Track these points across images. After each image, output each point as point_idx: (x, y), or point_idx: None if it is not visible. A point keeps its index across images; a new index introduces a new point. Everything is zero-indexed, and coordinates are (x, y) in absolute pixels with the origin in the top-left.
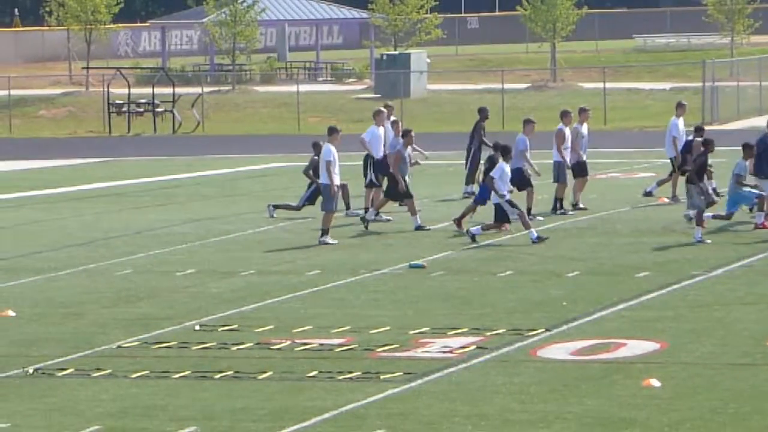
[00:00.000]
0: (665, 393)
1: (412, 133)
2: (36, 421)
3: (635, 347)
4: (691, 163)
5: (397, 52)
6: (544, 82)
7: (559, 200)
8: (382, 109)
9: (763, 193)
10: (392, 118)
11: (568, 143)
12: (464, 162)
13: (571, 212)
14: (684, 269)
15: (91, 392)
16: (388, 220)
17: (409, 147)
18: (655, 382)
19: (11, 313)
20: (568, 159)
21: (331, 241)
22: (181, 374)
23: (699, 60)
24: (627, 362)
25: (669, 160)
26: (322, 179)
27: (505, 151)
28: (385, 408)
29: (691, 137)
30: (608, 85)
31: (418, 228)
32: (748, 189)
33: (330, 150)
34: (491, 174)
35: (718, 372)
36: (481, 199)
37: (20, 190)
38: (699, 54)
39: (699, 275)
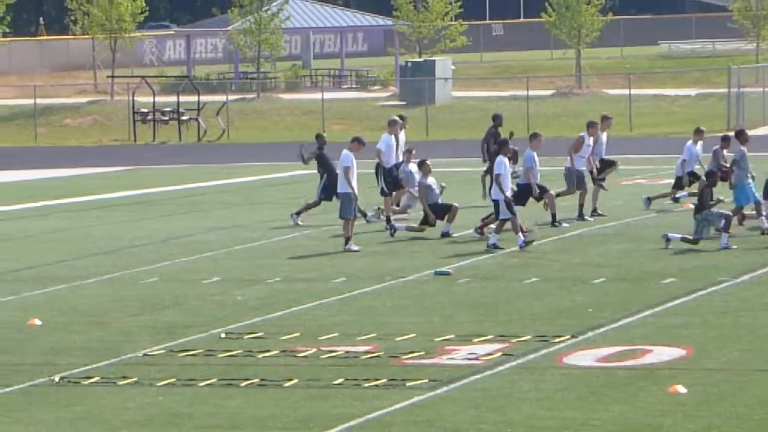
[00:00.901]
0: (691, 399)
1: (428, 162)
2: (62, 430)
3: (661, 354)
4: (702, 192)
5: (421, 59)
6: (569, 88)
7: (580, 206)
8: (397, 118)
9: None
10: (403, 136)
11: (584, 153)
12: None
13: (588, 218)
14: (710, 275)
15: (118, 400)
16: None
17: (430, 176)
18: (682, 389)
19: (38, 321)
20: (583, 167)
21: (355, 248)
22: (207, 382)
23: (724, 66)
24: (653, 369)
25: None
26: (341, 187)
27: (502, 144)
28: (410, 415)
29: (717, 146)
30: (633, 91)
31: (445, 234)
32: (750, 184)
33: (349, 156)
34: (496, 172)
35: (744, 378)
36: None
37: (46, 199)
38: (724, 60)
39: (725, 281)
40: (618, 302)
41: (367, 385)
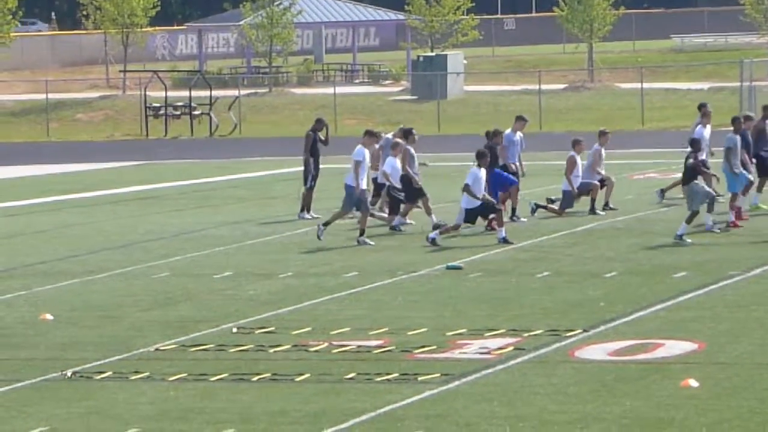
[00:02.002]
0: (703, 393)
1: (414, 132)
2: (74, 425)
3: (673, 348)
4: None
5: (433, 54)
6: (581, 82)
7: (592, 200)
8: (400, 141)
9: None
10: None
11: (579, 171)
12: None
13: (600, 212)
14: (722, 269)
15: (129, 395)
16: (412, 224)
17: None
18: (694, 383)
19: (49, 316)
20: (575, 187)
21: (369, 242)
22: (219, 377)
23: (736, 59)
24: (665, 363)
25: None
26: (349, 179)
27: (478, 156)
28: (422, 409)
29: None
30: (646, 85)
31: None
32: (739, 171)
33: (362, 151)
34: (466, 182)
35: (756, 372)
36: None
37: (58, 194)
38: (736, 53)
39: (737, 275)
40: (630, 296)
41: (378, 379)
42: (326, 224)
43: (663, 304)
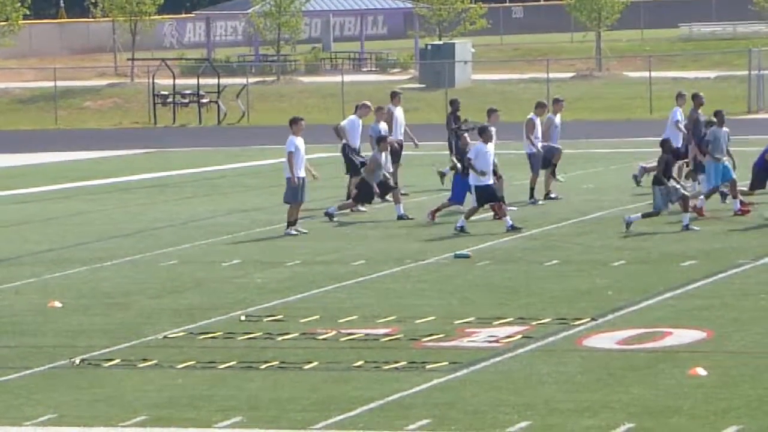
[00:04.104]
0: (711, 382)
1: (389, 139)
2: (82, 411)
3: (681, 336)
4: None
5: (441, 42)
6: (589, 71)
7: (531, 189)
8: (368, 103)
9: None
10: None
11: (538, 133)
12: None
13: (541, 202)
14: (730, 258)
15: (138, 382)
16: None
17: (384, 153)
18: (702, 371)
19: (58, 304)
20: (539, 147)
21: (294, 232)
22: (227, 364)
23: (745, 48)
24: (673, 351)
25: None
26: (285, 171)
27: (481, 132)
28: (430, 398)
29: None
30: (654, 74)
31: (401, 218)
32: (723, 164)
33: (292, 141)
34: (468, 155)
35: (764, 361)
36: (454, 199)
37: (66, 182)
38: (745, 42)
39: (745, 264)
40: (638, 285)
41: (386, 367)
42: (288, 224)
43: (671, 293)
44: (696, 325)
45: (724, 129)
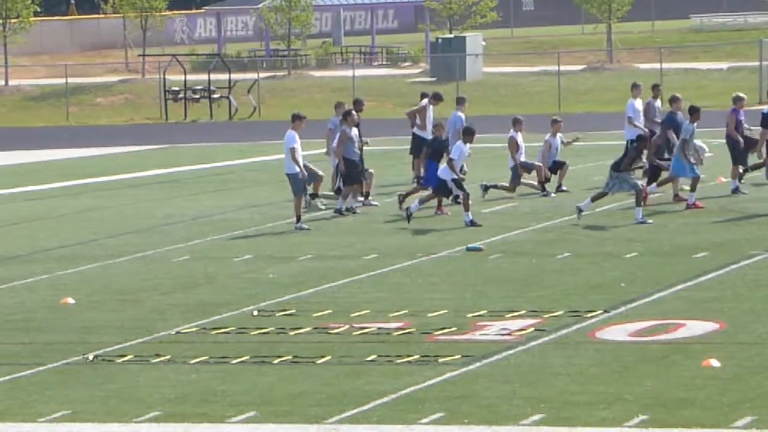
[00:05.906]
0: (725, 373)
1: (354, 114)
2: (96, 408)
3: (694, 328)
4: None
5: (452, 36)
6: (600, 63)
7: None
8: (353, 110)
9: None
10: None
11: (522, 150)
12: None
13: (553, 195)
14: (742, 249)
15: (151, 378)
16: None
17: (355, 128)
18: (715, 363)
19: (71, 300)
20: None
21: (305, 227)
22: (240, 359)
23: (756, 39)
24: (686, 343)
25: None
26: (288, 167)
27: (466, 132)
28: (443, 391)
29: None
30: (665, 65)
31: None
32: (688, 162)
33: (294, 136)
34: (451, 156)
35: None
36: (427, 183)
37: (78, 178)
38: (756, 33)
39: (758, 255)
40: (650, 276)
41: (399, 361)
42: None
43: (684, 285)
44: (709, 317)
45: (695, 125)
